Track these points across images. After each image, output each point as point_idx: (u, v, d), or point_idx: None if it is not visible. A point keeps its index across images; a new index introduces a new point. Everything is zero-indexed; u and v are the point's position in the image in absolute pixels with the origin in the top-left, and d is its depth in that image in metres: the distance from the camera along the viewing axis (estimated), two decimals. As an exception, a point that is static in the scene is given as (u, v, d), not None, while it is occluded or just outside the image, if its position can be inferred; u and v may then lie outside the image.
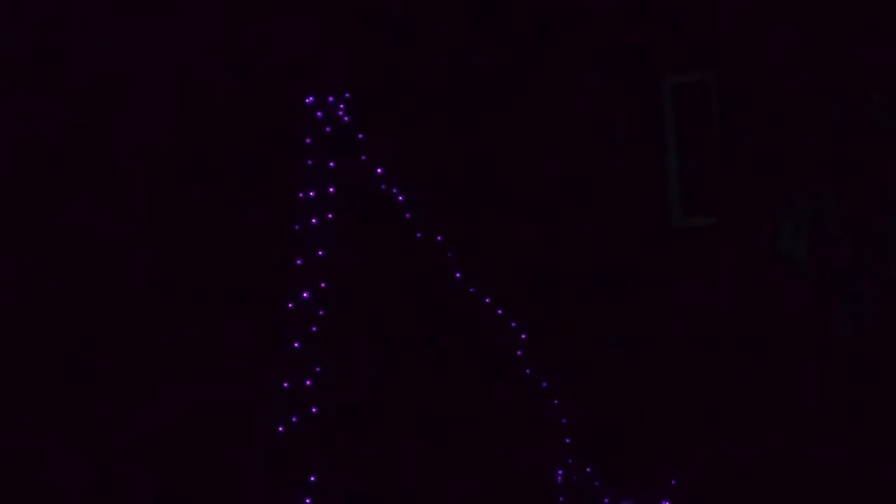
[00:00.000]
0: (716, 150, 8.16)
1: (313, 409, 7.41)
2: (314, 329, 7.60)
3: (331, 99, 7.81)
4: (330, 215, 7.69)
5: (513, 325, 7.93)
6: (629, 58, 8.37)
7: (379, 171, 7.90)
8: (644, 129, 8.41)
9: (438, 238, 7.95)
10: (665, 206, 8.34)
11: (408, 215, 7.92)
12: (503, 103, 8.49)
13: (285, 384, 7.42)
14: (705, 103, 8.27)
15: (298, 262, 7.65)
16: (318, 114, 7.78)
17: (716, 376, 7.88)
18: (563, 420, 7.90)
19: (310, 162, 7.73)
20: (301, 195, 7.70)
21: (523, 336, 7.93)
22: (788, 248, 7.75)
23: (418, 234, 7.94)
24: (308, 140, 7.74)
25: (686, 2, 8.09)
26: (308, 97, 7.78)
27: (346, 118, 7.83)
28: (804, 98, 7.65)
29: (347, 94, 7.85)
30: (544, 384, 7.91)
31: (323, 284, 7.66)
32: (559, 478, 7.85)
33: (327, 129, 7.79)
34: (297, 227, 7.69)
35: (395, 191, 7.92)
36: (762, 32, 7.76)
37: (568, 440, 7.87)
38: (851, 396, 7.37)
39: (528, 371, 7.93)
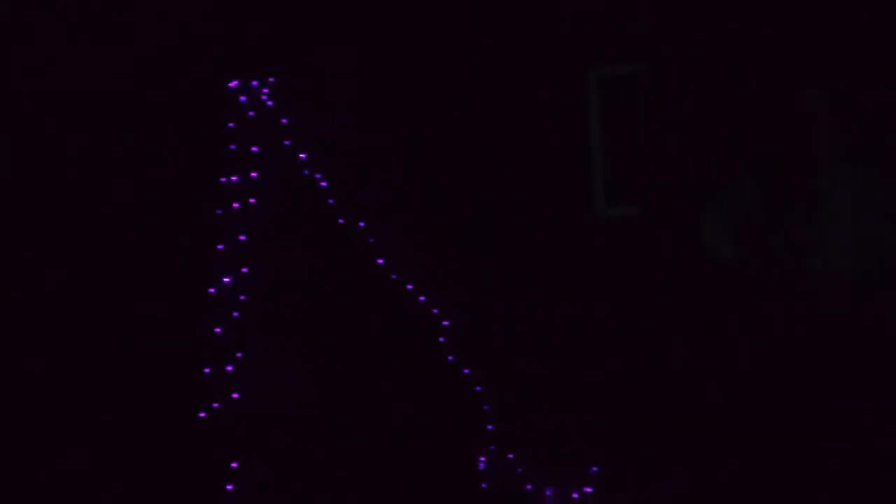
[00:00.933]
0: (641, 141, 8.21)
1: (234, 395, 7.36)
2: (235, 315, 7.56)
3: (254, 83, 7.77)
4: (252, 200, 7.65)
5: (434, 311, 7.93)
6: (557, 49, 8.40)
7: (302, 156, 7.86)
8: (570, 119, 8.44)
9: (361, 224, 7.92)
10: (589, 195, 8.37)
11: (330, 200, 7.89)
12: (430, 91, 8.48)
13: (206, 370, 7.37)
14: (632, 95, 8.32)
15: (220, 247, 7.60)
16: (242, 98, 7.74)
17: (637, 365, 7.92)
18: (486, 407, 7.90)
19: (232, 147, 7.68)
20: (223, 180, 7.65)
21: (445, 323, 7.93)
22: (710, 239, 7.83)
23: (340, 220, 7.91)
24: (231, 125, 7.70)
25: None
26: (231, 81, 7.74)
27: (269, 103, 7.79)
28: (730, 93, 7.73)
29: (271, 79, 7.81)
30: (466, 371, 7.91)
31: (245, 269, 7.61)
32: (482, 465, 7.86)
33: (251, 113, 7.75)
34: (219, 212, 7.64)
35: (317, 176, 7.89)
36: (691, 26, 7.84)
37: (490, 427, 7.87)
38: (767, 385, 7.47)
39: (450, 358, 7.92)
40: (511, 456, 7.80)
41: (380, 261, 7.91)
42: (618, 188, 8.35)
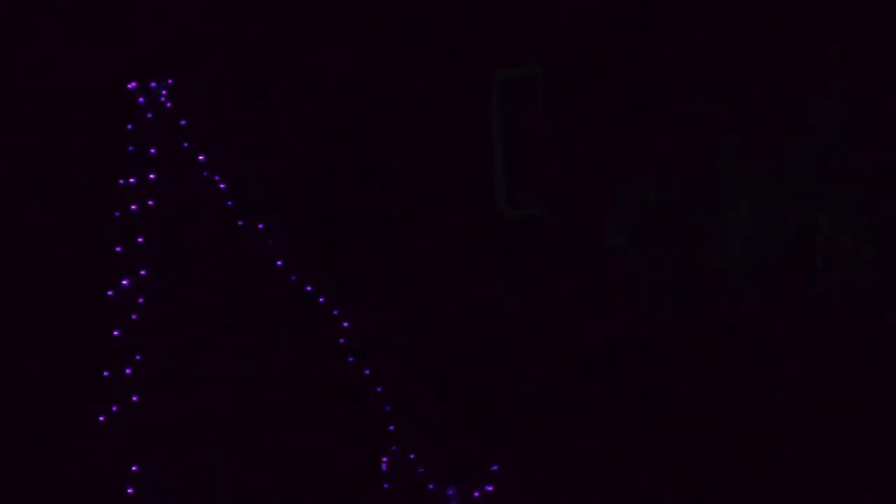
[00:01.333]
0: (543, 142, 8.29)
1: (134, 398, 7.28)
2: (134, 317, 7.48)
3: (153, 85, 7.72)
4: (150, 202, 7.59)
5: (335, 313, 7.93)
6: (459, 50, 8.46)
7: (201, 158, 7.82)
8: (472, 120, 8.50)
9: (260, 226, 7.90)
10: (491, 196, 8.44)
11: (229, 203, 7.86)
12: (333, 93, 8.49)
13: (105, 373, 7.28)
14: (533, 96, 8.39)
15: (118, 249, 7.52)
16: (140, 100, 7.67)
17: (541, 364, 8.00)
18: (387, 408, 7.93)
19: (131, 148, 7.62)
20: (122, 182, 7.58)
21: (346, 325, 7.94)
22: (613, 239, 7.93)
23: (240, 222, 7.88)
24: (129, 126, 7.64)
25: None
26: (130, 83, 7.68)
27: (168, 104, 7.74)
28: (632, 93, 7.84)
29: (170, 81, 7.76)
30: (367, 371, 7.93)
31: (143, 272, 7.55)
32: (384, 465, 7.88)
33: (149, 115, 7.69)
34: (116, 214, 7.57)
35: (216, 178, 7.86)
36: (592, 27, 7.94)
37: (392, 427, 7.90)
38: (669, 383, 7.59)
39: (350, 359, 7.93)
40: (412, 456, 7.84)
41: (279, 262, 7.90)
42: (521, 189, 8.42)
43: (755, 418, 7.27)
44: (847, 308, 7.24)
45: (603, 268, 7.92)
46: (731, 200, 7.64)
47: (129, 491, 7.01)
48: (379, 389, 7.92)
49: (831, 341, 7.19)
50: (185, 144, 7.77)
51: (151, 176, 7.58)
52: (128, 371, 7.27)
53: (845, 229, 7.25)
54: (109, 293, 7.45)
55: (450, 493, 7.66)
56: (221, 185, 7.84)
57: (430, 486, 7.72)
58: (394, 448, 7.86)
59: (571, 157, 8.10)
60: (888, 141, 7.06)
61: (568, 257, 8.04)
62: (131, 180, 7.55)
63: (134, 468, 7.09)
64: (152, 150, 7.61)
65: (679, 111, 7.74)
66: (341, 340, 7.93)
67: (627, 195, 7.90)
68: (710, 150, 7.69)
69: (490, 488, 7.60)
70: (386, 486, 7.81)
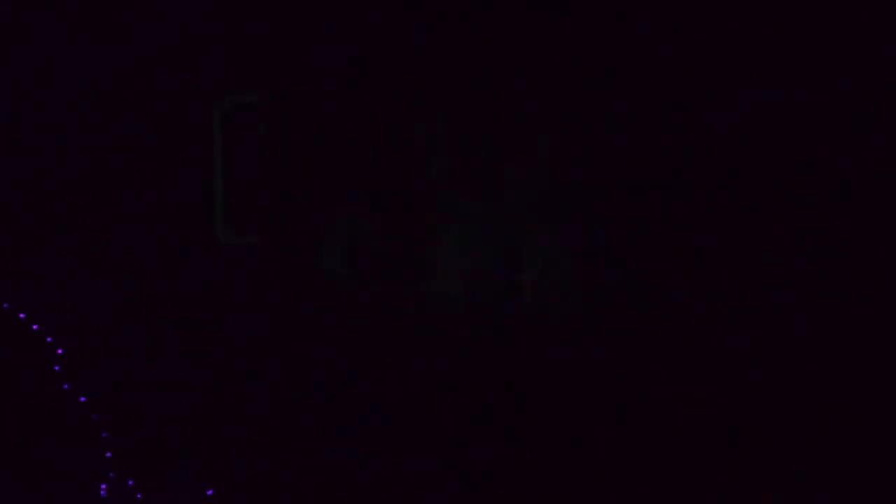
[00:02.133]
0: (260, 169, 8.39)
1: None
2: None
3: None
4: None
5: (48, 340, 7.89)
6: (176, 81, 8.51)
7: None
8: (191, 148, 8.55)
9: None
10: (210, 223, 8.51)
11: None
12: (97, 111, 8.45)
13: None
14: (252, 124, 8.49)
15: None
16: None
17: (261, 383, 8.08)
18: (104, 434, 7.91)
19: None
20: None
21: (60, 351, 7.91)
22: (328, 265, 8.07)
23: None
24: None
25: (234, 24, 8.29)
26: None
27: None
28: (348, 121, 7.99)
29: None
30: (83, 399, 7.91)
31: None
32: (103, 491, 7.87)
33: None
34: None
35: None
36: (311, 56, 8.07)
37: (109, 454, 7.89)
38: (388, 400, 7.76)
39: (65, 387, 7.90)
40: (131, 483, 7.85)
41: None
42: (239, 216, 8.51)
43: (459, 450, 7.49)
44: (555, 331, 7.52)
45: (318, 293, 8.06)
46: (444, 227, 7.85)
47: None
48: (95, 417, 7.90)
49: (535, 362, 7.45)
50: None
51: None
52: None
53: (554, 257, 7.51)
54: None
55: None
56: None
57: (150, 511, 7.76)
58: (111, 474, 7.86)
59: (289, 183, 8.23)
60: (601, 175, 7.35)
61: (283, 283, 8.16)
62: None
63: None
64: None
65: (396, 139, 7.93)
66: (56, 368, 7.89)
67: (342, 221, 8.06)
68: (427, 178, 7.89)
69: (210, 492, 7.66)
70: (105, 512, 7.81)
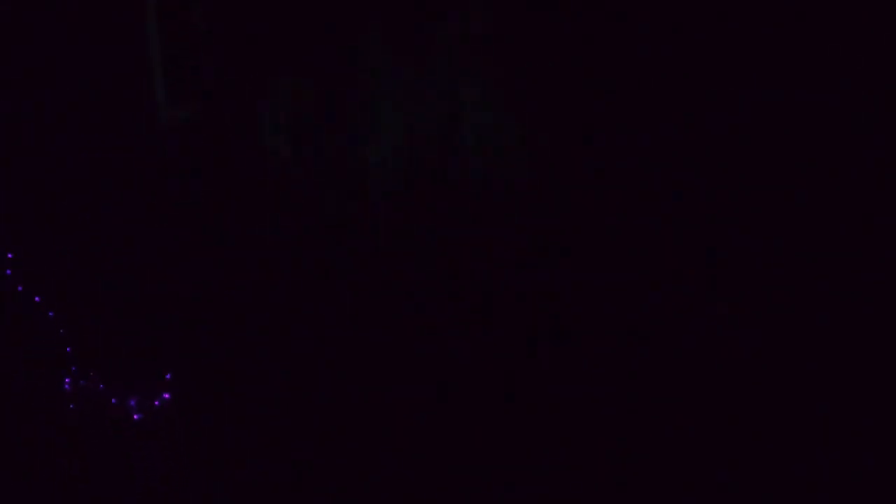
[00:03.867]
0: (199, 41, 8.29)
1: None
2: None
3: None
4: None
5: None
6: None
7: None
8: (127, 21, 8.42)
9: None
10: (150, 98, 8.42)
11: None
12: None
13: None
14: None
15: None
16: None
17: (223, 278, 8.15)
18: (61, 331, 7.98)
19: None
20: None
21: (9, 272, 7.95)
22: (270, 139, 8.06)
23: None
24: None
25: None
26: None
27: None
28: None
29: None
30: (51, 315, 7.96)
31: None
32: (67, 385, 7.96)
33: None
34: None
35: None
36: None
37: (69, 349, 7.97)
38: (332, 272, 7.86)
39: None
40: (92, 374, 7.95)
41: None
42: (179, 91, 8.43)
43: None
44: (492, 189, 7.62)
45: (261, 167, 8.07)
46: (381, 99, 7.86)
47: None
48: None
49: (476, 222, 7.54)
50: None
51: None
52: None
53: (486, 120, 7.57)
54: None
55: (132, 403, 7.81)
56: None
57: (114, 401, 7.86)
58: (73, 368, 7.94)
59: (229, 56, 8.16)
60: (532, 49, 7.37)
61: (225, 157, 8.14)
62: None
63: None
64: None
65: (332, 13, 7.88)
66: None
67: (282, 94, 8.03)
68: (361, 48, 7.86)
69: (167, 395, 7.78)
70: (72, 405, 7.90)
